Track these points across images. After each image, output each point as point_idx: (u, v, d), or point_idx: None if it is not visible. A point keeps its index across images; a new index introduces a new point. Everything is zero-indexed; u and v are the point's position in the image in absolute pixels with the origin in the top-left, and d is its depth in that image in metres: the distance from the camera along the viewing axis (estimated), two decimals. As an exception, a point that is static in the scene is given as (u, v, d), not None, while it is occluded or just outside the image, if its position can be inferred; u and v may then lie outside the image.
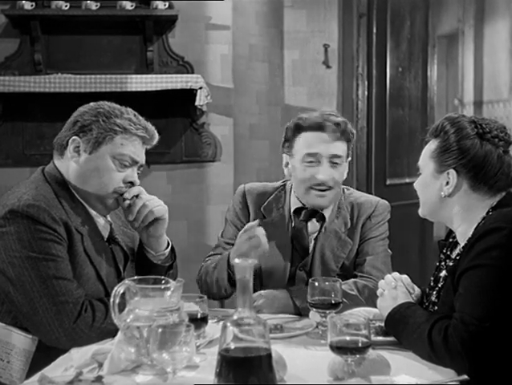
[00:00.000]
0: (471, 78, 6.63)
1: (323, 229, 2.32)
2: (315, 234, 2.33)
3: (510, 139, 1.81)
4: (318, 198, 2.27)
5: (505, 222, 1.65)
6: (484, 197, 1.77)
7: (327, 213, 2.33)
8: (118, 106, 2.03)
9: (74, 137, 1.97)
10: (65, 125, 2.03)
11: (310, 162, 2.25)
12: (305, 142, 2.26)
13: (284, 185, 2.43)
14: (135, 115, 2.02)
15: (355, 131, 2.34)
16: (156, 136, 2.06)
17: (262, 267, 2.26)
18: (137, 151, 2.00)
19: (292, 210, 2.35)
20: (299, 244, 2.33)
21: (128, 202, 2.01)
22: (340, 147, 2.27)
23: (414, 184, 1.91)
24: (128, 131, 1.97)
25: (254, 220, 2.31)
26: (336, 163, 2.27)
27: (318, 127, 2.24)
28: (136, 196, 2.02)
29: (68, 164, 1.99)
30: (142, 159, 2.03)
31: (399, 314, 1.76)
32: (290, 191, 2.39)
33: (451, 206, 1.80)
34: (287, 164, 2.34)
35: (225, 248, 2.35)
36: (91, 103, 2.04)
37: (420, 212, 1.91)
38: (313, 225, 2.34)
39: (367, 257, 2.30)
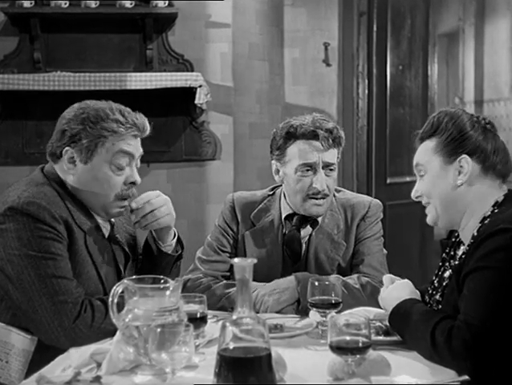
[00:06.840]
0: (472, 76, 6.63)
1: (313, 233, 2.31)
2: (306, 238, 2.32)
3: (496, 131, 1.84)
4: (315, 207, 2.26)
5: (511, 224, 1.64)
6: (494, 183, 1.77)
7: (319, 218, 2.32)
8: (103, 105, 1.96)
9: (66, 148, 1.93)
10: (54, 133, 1.97)
11: (306, 172, 2.24)
12: (299, 151, 2.23)
13: (273, 193, 2.41)
14: (120, 112, 1.95)
15: (343, 135, 2.30)
16: (148, 126, 2.00)
17: (253, 274, 2.24)
18: (131, 145, 1.96)
19: (283, 217, 2.34)
20: (291, 249, 2.32)
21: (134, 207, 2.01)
22: (333, 154, 2.26)
23: (419, 192, 1.84)
24: (118, 133, 1.93)
25: (244, 227, 2.34)
26: (331, 170, 2.26)
27: (312, 136, 2.22)
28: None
29: (66, 176, 1.96)
30: (138, 150, 1.99)
31: (403, 309, 1.76)
32: (280, 197, 2.37)
33: (465, 195, 1.77)
34: (278, 170, 2.32)
35: (218, 253, 2.36)
36: (75, 108, 1.97)
37: (432, 216, 1.84)
38: (304, 230, 2.33)
39: (363, 257, 2.30)
